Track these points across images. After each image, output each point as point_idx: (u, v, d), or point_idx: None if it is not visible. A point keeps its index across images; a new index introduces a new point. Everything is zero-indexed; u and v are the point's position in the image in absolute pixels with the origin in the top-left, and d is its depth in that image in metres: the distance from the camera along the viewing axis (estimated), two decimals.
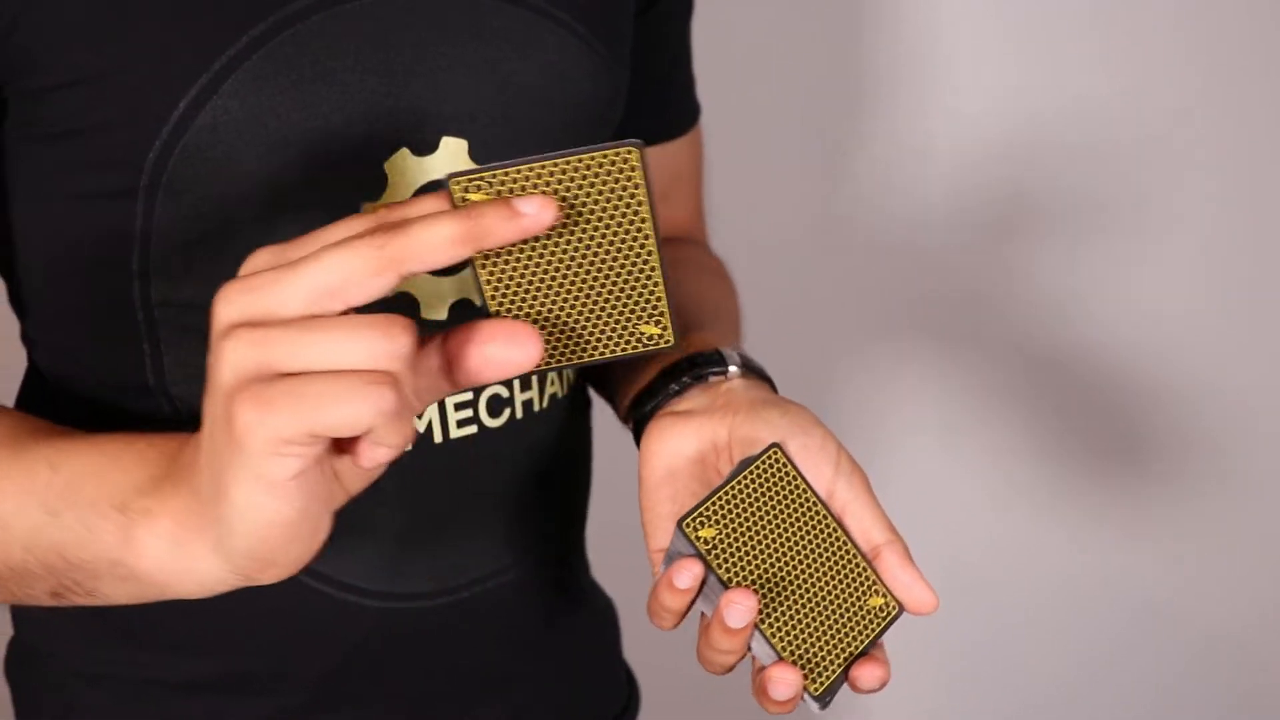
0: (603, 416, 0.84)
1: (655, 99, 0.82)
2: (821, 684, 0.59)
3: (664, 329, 0.52)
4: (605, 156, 0.47)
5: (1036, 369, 1.43)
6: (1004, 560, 1.50)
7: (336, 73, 0.61)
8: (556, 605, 0.79)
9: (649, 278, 0.51)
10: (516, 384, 0.70)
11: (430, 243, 0.45)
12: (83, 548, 0.54)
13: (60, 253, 0.64)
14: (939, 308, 1.41)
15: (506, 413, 0.70)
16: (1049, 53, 1.32)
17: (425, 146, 0.64)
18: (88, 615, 0.70)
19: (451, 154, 0.64)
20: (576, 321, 0.52)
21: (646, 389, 0.68)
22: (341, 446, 0.48)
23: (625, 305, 0.51)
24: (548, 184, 0.48)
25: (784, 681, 0.57)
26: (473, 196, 0.47)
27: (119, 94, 0.58)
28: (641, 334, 0.52)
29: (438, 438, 0.68)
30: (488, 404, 0.69)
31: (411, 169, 0.63)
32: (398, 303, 0.65)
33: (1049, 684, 1.57)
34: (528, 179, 0.47)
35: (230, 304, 0.45)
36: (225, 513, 0.47)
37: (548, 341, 0.53)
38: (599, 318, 0.52)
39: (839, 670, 0.59)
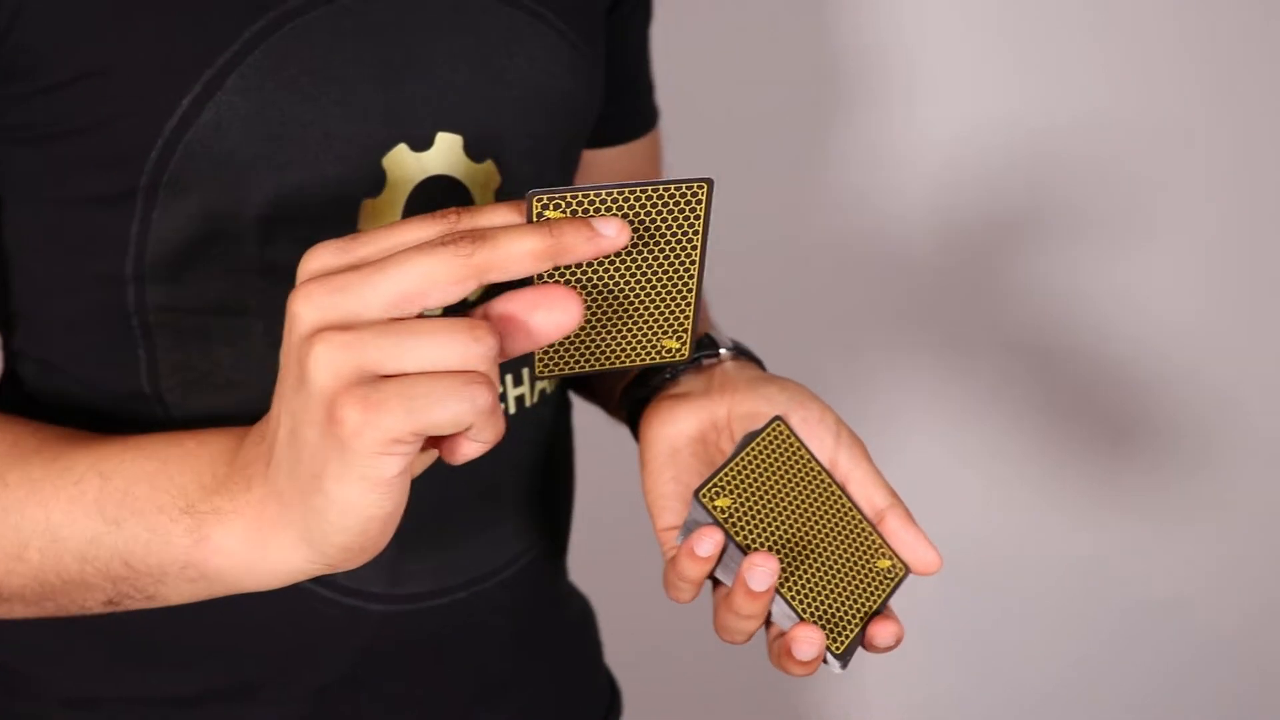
0: (578, 420, 0.85)
1: (619, 100, 0.84)
2: (842, 643, 0.60)
3: (683, 344, 0.56)
4: (679, 189, 0.50)
5: (1035, 366, 1.42)
6: (1000, 557, 1.49)
7: (334, 68, 0.61)
8: (548, 606, 0.80)
9: (684, 298, 0.54)
10: (509, 379, 0.71)
11: (513, 254, 0.47)
12: (150, 553, 0.54)
13: (52, 259, 0.63)
14: (937, 306, 1.41)
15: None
16: (1052, 56, 1.34)
17: (422, 142, 0.64)
18: (80, 637, 0.69)
19: (447, 149, 0.65)
20: (606, 332, 0.55)
21: (640, 376, 0.69)
22: (429, 441, 0.50)
23: (655, 321, 0.54)
24: (620, 208, 0.50)
25: (808, 640, 0.59)
26: (550, 214, 0.50)
27: (122, 90, 0.58)
28: (662, 347, 0.55)
29: None
30: None
31: (410, 164, 0.64)
32: None
33: (1047, 680, 1.56)
34: (603, 202, 0.50)
35: (312, 305, 0.46)
36: (322, 508, 0.48)
37: (571, 348, 0.55)
38: (628, 330, 0.55)
39: (856, 630, 0.61)
